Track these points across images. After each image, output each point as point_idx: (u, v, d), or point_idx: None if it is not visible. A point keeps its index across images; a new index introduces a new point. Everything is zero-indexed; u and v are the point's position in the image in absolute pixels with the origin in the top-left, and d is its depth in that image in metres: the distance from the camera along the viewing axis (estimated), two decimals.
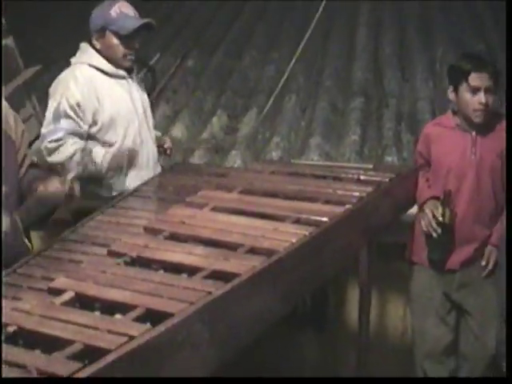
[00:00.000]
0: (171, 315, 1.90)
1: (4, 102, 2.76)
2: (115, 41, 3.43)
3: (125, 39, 3.43)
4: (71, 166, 3.29)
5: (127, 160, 3.40)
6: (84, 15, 3.59)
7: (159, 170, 3.66)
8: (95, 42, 3.48)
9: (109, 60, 3.47)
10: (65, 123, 3.33)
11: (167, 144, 3.77)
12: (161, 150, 3.72)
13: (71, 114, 3.34)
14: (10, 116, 2.78)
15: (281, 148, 4.90)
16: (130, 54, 3.48)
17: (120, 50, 3.44)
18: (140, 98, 3.60)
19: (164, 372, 1.86)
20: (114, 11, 3.43)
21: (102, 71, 3.47)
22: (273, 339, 3.08)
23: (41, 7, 7.30)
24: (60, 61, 4.57)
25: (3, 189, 2.57)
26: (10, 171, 2.63)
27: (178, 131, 5.13)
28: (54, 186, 2.68)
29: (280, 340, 3.82)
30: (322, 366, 4.08)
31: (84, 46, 3.53)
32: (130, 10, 3.48)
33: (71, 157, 3.29)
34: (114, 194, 3.34)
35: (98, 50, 3.47)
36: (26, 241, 2.66)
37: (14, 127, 2.76)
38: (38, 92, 4.65)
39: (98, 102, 3.39)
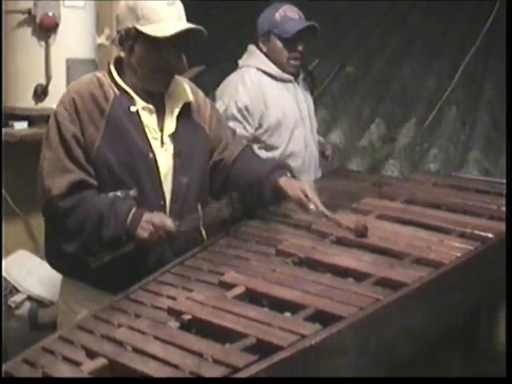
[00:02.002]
0: (341, 318, 1.93)
1: (200, 92, 2.75)
2: (279, 44, 3.49)
3: (288, 42, 3.48)
4: None
5: None
6: (245, 16, 3.66)
7: (319, 174, 3.69)
8: (261, 46, 3.55)
9: (275, 64, 3.53)
10: (232, 126, 3.41)
11: (329, 151, 3.79)
12: (322, 156, 3.75)
13: (239, 117, 3.41)
14: (206, 103, 2.76)
15: (438, 160, 4.85)
16: (294, 59, 3.52)
17: (284, 53, 3.50)
18: (305, 102, 3.64)
19: (329, 373, 1.88)
20: (278, 14, 3.49)
21: (269, 75, 3.53)
22: (422, 355, 3.04)
23: (203, 7, 7.53)
24: (222, 61, 4.70)
25: (184, 180, 2.58)
26: (192, 162, 2.62)
27: (336, 137, 5.16)
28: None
29: (427, 357, 3.75)
30: None
31: (251, 48, 3.60)
32: (295, 14, 3.52)
33: None
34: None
35: (264, 54, 3.54)
36: (203, 232, 2.69)
37: (210, 115, 2.75)
38: None
39: (265, 105, 3.45)
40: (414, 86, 6.14)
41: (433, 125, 5.38)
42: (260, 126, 3.44)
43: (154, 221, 2.43)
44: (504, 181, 4.33)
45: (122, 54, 2.55)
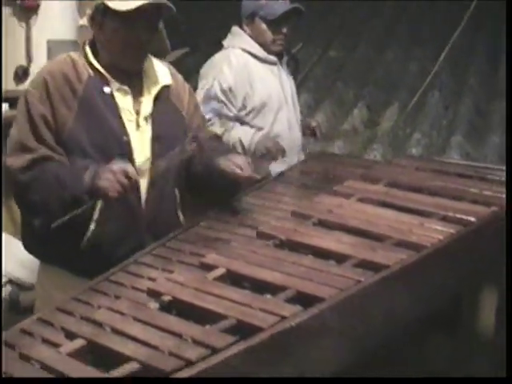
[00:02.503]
0: (322, 299, 1.93)
1: (179, 75, 2.71)
2: (263, 26, 3.48)
3: (272, 24, 3.47)
4: None
5: (274, 147, 3.34)
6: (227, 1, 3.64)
7: (302, 157, 3.68)
8: (245, 28, 3.54)
9: (259, 45, 3.51)
10: (215, 105, 3.40)
11: (314, 123, 3.75)
12: (307, 132, 3.71)
13: (222, 97, 3.39)
14: (185, 88, 2.71)
15: (421, 145, 4.86)
16: (278, 40, 3.52)
17: (268, 35, 3.49)
18: (289, 84, 3.63)
19: (310, 355, 1.89)
20: None
21: (254, 56, 3.52)
22: (402, 339, 3.05)
23: None
24: (202, 44, 4.67)
25: (162, 163, 2.51)
26: (171, 146, 2.51)
27: (318, 120, 5.15)
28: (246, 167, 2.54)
29: (409, 341, 3.76)
30: (452, 368, 4.00)
31: (236, 29, 3.59)
32: None
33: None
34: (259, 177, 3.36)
35: (248, 36, 3.53)
36: (181, 215, 2.67)
37: (188, 99, 2.70)
38: (182, 74, 4.77)
39: (250, 86, 3.43)
40: (397, 71, 6.15)
41: (416, 109, 5.39)
42: (244, 106, 3.43)
43: (113, 168, 2.31)
44: (486, 165, 4.36)
45: (94, 32, 2.49)
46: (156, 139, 2.53)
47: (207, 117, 3.36)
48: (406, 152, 4.72)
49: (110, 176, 2.30)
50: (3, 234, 4.01)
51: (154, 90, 2.56)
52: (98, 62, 2.50)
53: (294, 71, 4.10)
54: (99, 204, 2.40)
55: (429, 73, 5.26)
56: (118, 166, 2.33)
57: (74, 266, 2.48)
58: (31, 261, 3.59)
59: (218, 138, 2.91)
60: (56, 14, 4.08)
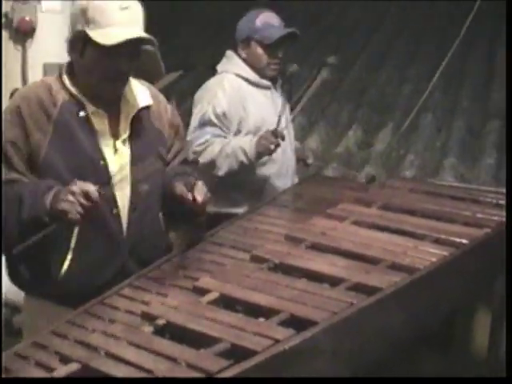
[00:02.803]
0: (315, 323, 1.93)
1: (161, 96, 2.64)
2: (259, 50, 3.51)
3: (269, 48, 3.50)
4: (221, 161, 3.36)
5: (275, 140, 3.33)
6: (222, 20, 3.67)
7: (296, 180, 3.70)
8: (241, 52, 3.56)
9: (254, 69, 3.54)
10: (210, 130, 3.41)
11: (311, 160, 3.80)
12: (300, 162, 3.75)
13: (216, 122, 3.41)
14: (167, 109, 2.65)
15: (415, 166, 4.88)
16: (274, 64, 3.54)
17: (264, 59, 3.51)
18: (283, 108, 3.65)
19: (304, 378, 1.89)
20: (259, 21, 3.51)
21: (248, 80, 3.54)
22: (395, 360, 3.06)
23: (177, 16, 7.53)
24: (198, 66, 4.69)
25: (144, 187, 2.48)
26: (151, 168, 2.49)
27: (313, 142, 5.19)
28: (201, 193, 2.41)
29: (402, 362, 3.77)
30: None
31: (230, 54, 3.61)
32: (275, 20, 3.55)
33: (220, 152, 3.35)
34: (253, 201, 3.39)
35: (243, 60, 3.55)
36: (167, 237, 2.67)
37: (170, 120, 2.63)
38: (176, 96, 4.79)
39: (244, 111, 3.46)
40: (390, 92, 6.18)
41: (409, 131, 5.41)
42: (239, 131, 3.45)
43: (73, 189, 2.23)
44: (479, 187, 4.38)
45: (73, 58, 2.44)
46: (135, 163, 2.47)
47: (205, 138, 3.39)
48: (400, 174, 4.74)
49: (69, 197, 2.22)
50: None
51: (132, 112, 2.49)
52: (74, 85, 2.44)
53: (289, 93, 4.13)
54: (75, 231, 2.35)
55: (421, 94, 5.28)
56: (78, 186, 2.24)
57: (55, 295, 2.42)
58: None
59: (190, 162, 2.81)
60: (52, 37, 4.10)
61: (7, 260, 2.52)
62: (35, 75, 4.02)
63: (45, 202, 2.26)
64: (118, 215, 2.44)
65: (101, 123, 2.44)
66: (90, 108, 2.42)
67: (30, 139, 2.37)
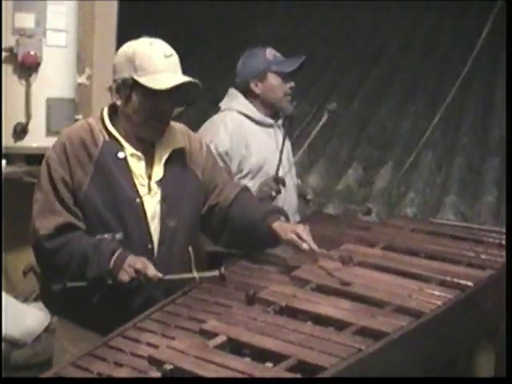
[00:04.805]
0: (324, 369, 1.92)
1: (193, 135, 2.83)
2: (277, 81, 3.52)
3: (286, 78, 3.52)
4: None
5: (277, 187, 3.38)
6: (221, 58, 3.68)
7: (298, 218, 3.70)
8: (254, 88, 3.54)
9: (264, 105, 3.54)
10: None
11: (310, 195, 3.81)
12: (301, 198, 3.75)
13: (218, 161, 3.41)
14: (201, 146, 2.82)
15: (415, 204, 4.89)
16: (289, 94, 3.56)
17: (281, 90, 3.53)
18: (285, 145, 3.65)
19: None
20: (269, 54, 3.54)
21: (251, 118, 3.55)
22: None
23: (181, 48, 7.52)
24: (199, 100, 4.67)
25: (171, 223, 2.63)
26: (180, 206, 2.67)
27: (313, 180, 5.19)
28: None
29: None
30: None
31: (233, 91, 3.62)
32: (278, 54, 3.59)
33: None
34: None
35: (256, 96, 3.55)
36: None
37: (205, 158, 2.81)
38: None
39: (247, 149, 3.46)
40: (390, 128, 6.19)
41: (409, 168, 5.43)
42: (240, 170, 3.45)
43: (137, 266, 2.47)
44: (481, 227, 4.38)
45: (118, 102, 2.60)
46: (164, 199, 2.63)
47: None
48: (401, 211, 4.74)
49: (131, 273, 2.46)
50: None
51: (165, 155, 2.65)
52: (116, 127, 2.62)
53: (289, 130, 4.14)
54: None
55: (421, 130, 5.30)
56: (142, 264, 2.48)
57: (86, 320, 2.57)
58: (25, 318, 3.58)
59: (248, 190, 2.97)
60: (56, 72, 4.12)
61: (43, 287, 2.73)
62: (38, 109, 4.03)
63: (109, 265, 2.48)
64: (152, 249, 2.62)
65: (138, 165, 2.62)
66: (129, 150, 2.60)
67: (74, 177, 2.56)
